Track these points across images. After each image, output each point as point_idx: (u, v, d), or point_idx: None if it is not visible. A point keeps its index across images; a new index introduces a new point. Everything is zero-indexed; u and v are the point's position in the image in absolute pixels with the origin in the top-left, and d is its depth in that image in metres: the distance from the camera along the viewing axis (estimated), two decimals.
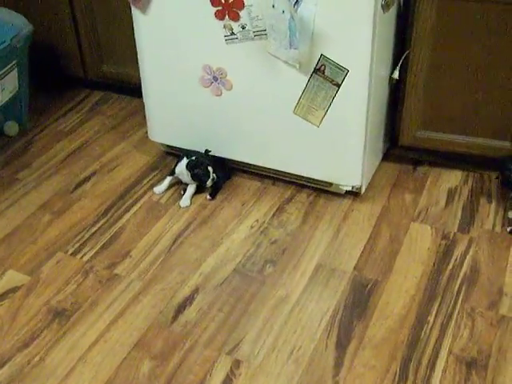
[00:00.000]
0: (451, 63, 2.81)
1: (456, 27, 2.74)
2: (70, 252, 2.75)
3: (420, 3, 2.72)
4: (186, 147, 3.14)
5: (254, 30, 2.65)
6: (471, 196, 3.04)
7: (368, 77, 2.60)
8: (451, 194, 3.05)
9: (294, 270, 2.63)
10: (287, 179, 3.07)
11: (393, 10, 2.73)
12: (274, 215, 2.92)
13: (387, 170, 3.19)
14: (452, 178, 3.15)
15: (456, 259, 2.69)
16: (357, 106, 2.67)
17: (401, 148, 3.19)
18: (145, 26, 2.88)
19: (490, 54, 2.77)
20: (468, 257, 2.71)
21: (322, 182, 2.95)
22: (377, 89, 2.77)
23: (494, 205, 2.99)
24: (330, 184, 2.94)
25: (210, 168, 2.97)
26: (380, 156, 3.20)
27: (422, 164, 3.22)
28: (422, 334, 2.38)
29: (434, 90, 2.90)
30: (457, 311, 2.47)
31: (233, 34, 2.70)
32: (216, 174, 3.00)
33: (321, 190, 3.02)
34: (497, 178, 3.06)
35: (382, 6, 2.54)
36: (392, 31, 2.82)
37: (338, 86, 2.64)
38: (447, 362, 2.28)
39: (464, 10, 2.69)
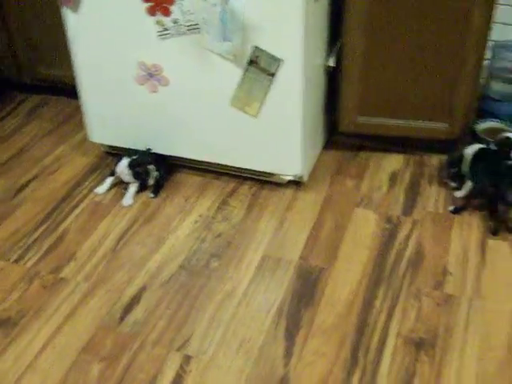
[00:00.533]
0: (385, 48, 2.84)
1: (388, 13, 2.77)
2: (12, 259, 2.70)
3: None
4: (126, 146, 3.12)
5: (187, 24, 2.63)
6: (413, 179, 3.06)
7: (302, 66, 2.60)
8: (393, 178, 3.07)
9: (239, 263, 2.63)
10: (230, 172, 3.06)
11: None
12: (217, 209, 2.91)
13: (329, 157, 3.20)
14: (393, 162, 3.18)
15: (400, 242, 2.71)
16: (293, 96, 2.67)
17: (341, 135, 3.20)
18: (76, 25, 2.84)
19: (423, 38, 2.80)
20: (412, 239, 2.73)
21: (263, 173, 2.95)
22: (313, 77, 2.77)
23: (435, 187, 3.02)
24: (272, 175, 2.94)
25: (151, 166, 2.94)
26: (321, 144, 3.21)
27: (363, 150, 3.24)
28: (370, 318, 2.39)
29: (370, 76, 2.91)
30: (403, 293, 2.48)
31: (165, 29, 2.69)
32: (158, 171, 2.97)
33: (263, 181, 3.02)
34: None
35: None
36: (325, 19, 2.83)
37: (273, 76, 2.63)
38: (396, 344, 2.29)
39: None
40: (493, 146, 2.93)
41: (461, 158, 2.91)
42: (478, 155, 2.85)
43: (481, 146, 2.92)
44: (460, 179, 2.94)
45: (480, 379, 2.17)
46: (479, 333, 2.34)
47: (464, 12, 2.72)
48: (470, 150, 2.89)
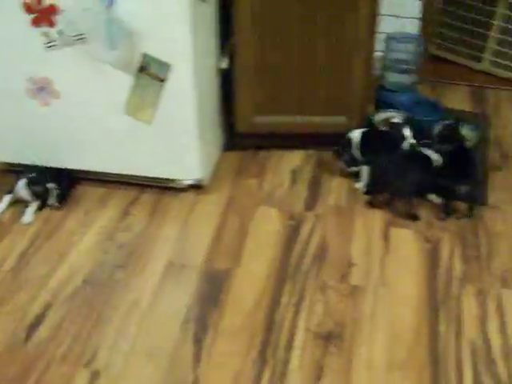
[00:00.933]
0: (276, 45, 2.86)
1: (277, 10, 2.80)
2: None
3: None
4: (24, 162, 3.03)
5: (73, 34, 2.59)
6: (314, 174, 3.09)
7: (192, 69, 2.59)
8: (294, 175, 3.09)
9: (144, 272, 2.59)
10: (131, 181, 3.02)
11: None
12: (119, 219, 2.87)
13: (230, 158, 3.20)
14: (294, 158, 3.20)
15: (304, 238, 2.73)
16: (185, 99, 2.66)
17: (241, 135, 3.19)
18: None
19: (314, 33, 2.83)
20: (316, 234, 2.75)
21: (163, 179, 2.92)
22: (206, 79, 2.77)
23: (336, 181, 3.06)
24: (172, 180, 2.91)
25: (50, 184, 2.88)
26: (221, 145, 3.20)
27: (264, 149, 3.24)
28: (278, 315, 2.39)
29: (264, 75, 2.93)
30: (309, 288, 2.50)
31: (52, 40, 2.64)
32: (59, 187, 2.91)
33: (165, 187, 2.99)
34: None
35: None
36: (215, 20, 2.82)
37: (164, 81, 2.61)
38: (305, 339, 2.30)
39: None
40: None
41: (349, 141, 2.94)
42: (365, 137, 2.92)
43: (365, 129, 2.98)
44: (354, 163, 2.99)
45: (390, 366, 2.20)
46: (386, 320, 2.38)
47: (351, 5, 2.75)
48: (356, 133, 2.94)
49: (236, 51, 2.86)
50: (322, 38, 2.83)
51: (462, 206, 2.90)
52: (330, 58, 2.87)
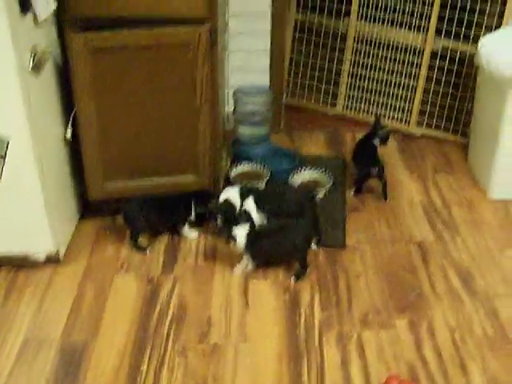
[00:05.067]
0: (117, 111, 2.86)
1: (115, 76, 2.80)
2: None
3: (75, 60, 2.73)
4: None
5: None
6: (172, 236, 3.07)
7: (32, 142, 2.55)
8: (152, 238, 3.06)
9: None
10: None
11: (51, 70, 2.75)
12: None
13: (87, 227, 3.15)
14: None
15: (162, 301, 2.72)
16: (29, 173, 2.62)
17: (96, 202, 3.15)
18: None
19: (154, 95, 2.85)
20: (174, 296, 2.74)
21: (18, 255, 2.84)
22: (50, 149, 2.75)
23: (194, 240, 3.06)
24: (27, 255, 2.84)
25: None
26: (77, 215, 3.15)
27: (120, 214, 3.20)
28: None
29: (109, 140, 2.92)
30: (169, 352, 2.48)
31: None
32: None
33: (20, 263, 2.90)
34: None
35: (31, 70, 2.50)
36: (56, 91, 2.81)
37: (4, 157, 2.56)
38: None
39: (116, 58, 2.74)
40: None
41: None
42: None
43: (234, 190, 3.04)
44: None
45: None
46: (248, 376, 2.38)
47: (188, 65, 2.80)
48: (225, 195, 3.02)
49: (79, 120, 2.83)
50: (164, 101, 2.85)
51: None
52: (174, 119, 2.90)
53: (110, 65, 2.75)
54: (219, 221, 2.97)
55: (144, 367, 2.42)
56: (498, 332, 2.54)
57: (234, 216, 2.93)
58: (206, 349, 2.49)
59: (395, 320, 2.62)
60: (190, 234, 3.04)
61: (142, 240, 3.02)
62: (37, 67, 2.56)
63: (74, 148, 2.98)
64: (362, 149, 3.52)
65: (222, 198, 2.99)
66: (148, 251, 2.97)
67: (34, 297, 2.76)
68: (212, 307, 2.68)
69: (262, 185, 3.36)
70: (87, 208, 3.22)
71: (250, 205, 2.96)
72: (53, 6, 2.65)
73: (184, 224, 3.04)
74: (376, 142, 3.48)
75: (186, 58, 2.78)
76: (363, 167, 3.43)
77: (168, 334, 2.56)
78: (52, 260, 2.90)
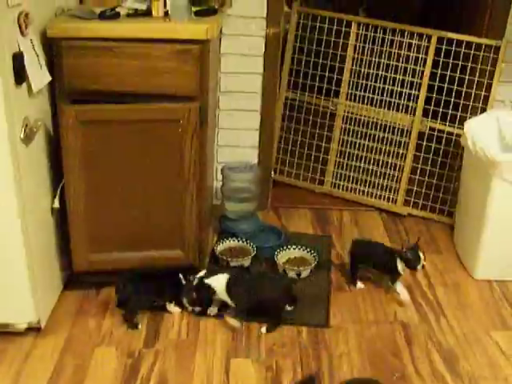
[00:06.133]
0: (106, 184, 2.89)
1: (104, 150, 2.84)
2: None
3: (65, 132, 2.77)
4: None
5: None
6: (153, 309, 3.05)
7: (17, 210, 2.56)
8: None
9: None
10: None
11: (42, 140, 2.77)
12: None
13: (70, 298, 3.13)
14: None
15: (143, 376, 2.69)
16: (13, 242, 2.62)
17: (81, 274, 3.13)
18: None
19: (143, 170, 2.88)
20: (155, 370, 2.72)
21: None
22: (36, 220, 2.75)
23: (177, 313, 3.03)
24: (7, 324, 2.81)
25: None
26: (60, 285, 3.14)
27: (105, 286, 3.19)
28: None
29: (96, 213, 2.93)
30: None
31: None
32: None
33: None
34: None
35: (21, 140, 2.53)
36: (45, 161, 2.83)
37: None
38: None
39: (106, 131, 2.78)
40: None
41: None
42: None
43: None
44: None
45: None
46: None
47: (177, 140, 2.85)
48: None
49: (66, 191, 2.85)
50: (152, 175, 2.88)
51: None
52: (162, 193, 2.93)
53: (100, 137, 2.78)
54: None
55: None
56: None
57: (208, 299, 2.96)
58: None
59: None
60: (175, 309, 3.02)
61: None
62: (28, 137, 2.59)
63: (61, 218, 2.98)
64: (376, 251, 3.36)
65: (209, 281, 2.97)
66: (139, 327, 2.93)
67: (11, 368, 2.71)
68: (193, 382, 2.64)
69: (247, 261, 3.35)
70: (71, 279, 3.19)
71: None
72: (48, 78, 2.69)
73: (171, 301, 3.02)
74: (399, 262, 3.18)
75: (175, 133, 2.82)
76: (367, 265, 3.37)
77: None
78: (34, 330, 2.86)
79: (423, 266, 3.16)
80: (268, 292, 2.98)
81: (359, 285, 3.33)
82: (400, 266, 3.16)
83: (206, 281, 2.93)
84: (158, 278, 3.00)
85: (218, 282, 2.93)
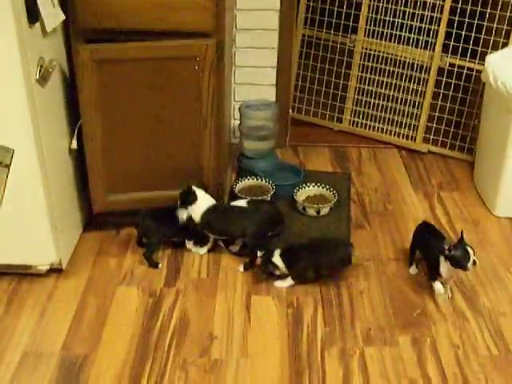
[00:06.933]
0: (124, 124, 2.87)
1: (120, 88, 2.81)
2: None
3: (80, 71, 2.73)
4: None
5: None
6: (175, 248, 3.05)
7: (36, 152, 2.54)
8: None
9: None
10: None
11: (57, 81, 2.74)
12: None
13: (90, 239, 3.14)
14: None
15: (164, 314, 2.70)
16: (33, 183, 2.61)
17: (101, 214, 3.14)
18: None
19: (159, 109, 2.86)
20: (176, 309, 2.73)
21: (19, 265, 2.83)
22: (55, 161, 2.74)
23: (197, 254, 3.06)
24: (29, 266, 2.83)
25: None
26: (80, 227, 3.15)
27: (124, 226, 3.19)
28: None
29: (114, 153, 2.92)
30: (169, 366, 2.47)
31: None
32: None
33: (22, 274, 2.89)
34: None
35: (37, 80, 2.50)
36: (61, 102, 2.81)
37: (8, 167, 2.56)
38: None
39: (121, 70, 2.75)
40: None
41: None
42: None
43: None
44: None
45: None
46: None
47: (195, 78, 2.80)
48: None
49: (84, 131, 2.83)
50: (169, 114, 2.86)
51: None
52: (179, 133, 2.90)
53: (116, 77, 2.75)
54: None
55: (144, 381, 2.40)
56: (502, 351, 2.52)
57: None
58: (207, 364, 2.48)
59: (398, 337, 2.61)
60: (197, 249, 3.02)
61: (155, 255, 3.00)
62: (43, 78, 2.56)
63: (80, 160, 2.97)
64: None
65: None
66: (160, 266, 2.95)
67: (35, 309, 2.74)
68: (214, 322, 2.67)
69: (267, 199, 3.35)
70: (91, 220, 3.20)
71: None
72: (61, 17, 2.65)
73: (190, 238, 3.02)
74: (443, 263, 2.75)
75: (192, 70, 2.78)
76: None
77: (169, 348, 2.54)
78: (56, 271, 2.88)
79: (474, 263, 2.68)
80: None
81: (412, 269, 2.99)
82: (444, 267, 2.73)
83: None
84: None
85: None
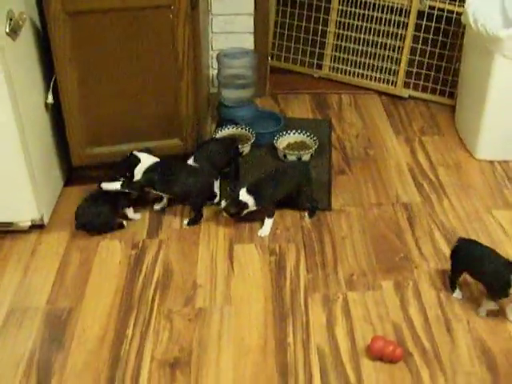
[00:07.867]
0: (98, 77, 2.84)
1: (94, 41, 2.77)
2: None
3: (52, 23, 2.69)
4: None
5: None
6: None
7: (11, 106, 2.52)
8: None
9: None
10: None
11: (30, 35, 2.71)
12: None
13: (71, 193, 3.13)
14: None
15: (148, 265, 2.71)
16: (9, 139, 2.59)
17: (82, 168, 3.11)
18: None
19: (135, 60, 2.82)
20: (159, 260, 2.74)
21: (0, 223, 2.82)
22: (31, 116, 2.71)
23: (179, 206, 3.05)
24: (11, 223, 2.82)
25: None
26: (61, 182, 3.12)
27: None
28: (123, 349, 2.36)
29: (91, 106, 2.90)
30: (154, 316, 2.48)
31: None
32: None
33: (4, 231, 2.88)
34: None
35: (7, 33, 2.47)
36: (35, 56, 2.77)
37: None
38: (150, 369, 2.29)
39: (95, 22, 2.71)
40: None
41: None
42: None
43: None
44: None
45: None
46: (233, 340, 2.39)
47: (169, 27, 2.76)
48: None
49: (59, 85, 2.80)
50: (145, 65, 2.83)
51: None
52: (155, 83, 2.87)
53: (89, 28, 2.72)
54: None
55: (129, 331, 2.42)
56: (483, 292, 2.54)
57: None
58: (191, 313, 2.50)
59: (381, 281, 2.63)
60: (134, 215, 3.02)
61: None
62: (13, 31, 2.53)
63: (57, 114, 2.94)
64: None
65: None
66: (124, 224, 2.95)
67: (18, 265, 2.75)
68: (197, 271, 2.69)
69: (247, 148, 3.34)
70: (72, 175, 3.18)
71: None
72: None
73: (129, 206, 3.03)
74: None
75: (166, 19, 2.75)
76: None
77: (153, 299, 2.56)
78: (38, 227, 2.87)
79: None
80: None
81: (457, 292, 2.60)
82: None
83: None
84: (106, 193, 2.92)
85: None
